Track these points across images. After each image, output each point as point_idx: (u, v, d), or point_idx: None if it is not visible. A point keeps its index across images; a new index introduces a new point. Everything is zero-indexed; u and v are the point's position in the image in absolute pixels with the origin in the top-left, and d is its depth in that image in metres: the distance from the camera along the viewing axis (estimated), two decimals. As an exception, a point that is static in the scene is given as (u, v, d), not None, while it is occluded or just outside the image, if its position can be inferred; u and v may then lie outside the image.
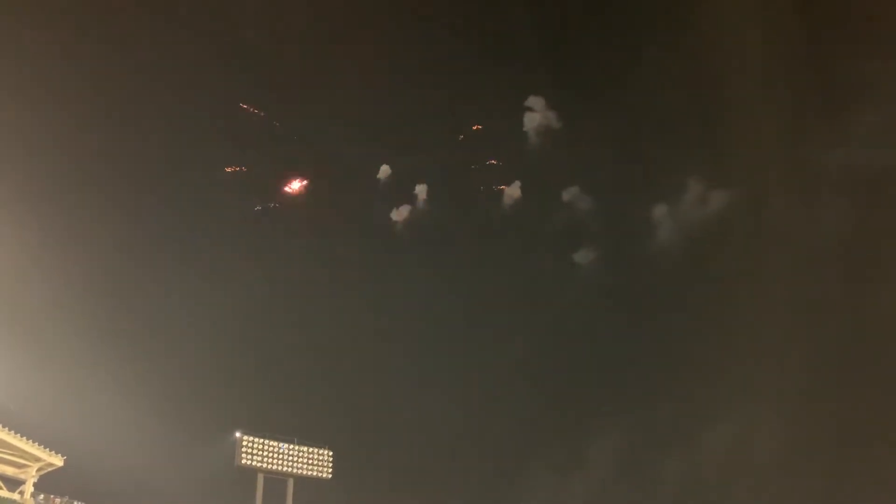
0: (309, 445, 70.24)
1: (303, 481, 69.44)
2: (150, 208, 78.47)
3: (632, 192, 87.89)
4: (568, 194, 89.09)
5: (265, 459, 67.68)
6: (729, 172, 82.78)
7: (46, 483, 50.69)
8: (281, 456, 68.48)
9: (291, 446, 69.28)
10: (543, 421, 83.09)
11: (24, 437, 47.44)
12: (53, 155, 70.13)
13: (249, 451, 67.23)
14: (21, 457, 48.28)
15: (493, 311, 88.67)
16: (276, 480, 68.39)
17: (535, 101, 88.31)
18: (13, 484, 48.78)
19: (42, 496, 51.30)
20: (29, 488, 49.21)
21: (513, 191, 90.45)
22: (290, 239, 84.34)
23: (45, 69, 69.61)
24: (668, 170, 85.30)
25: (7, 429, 46.24)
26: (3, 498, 47.74)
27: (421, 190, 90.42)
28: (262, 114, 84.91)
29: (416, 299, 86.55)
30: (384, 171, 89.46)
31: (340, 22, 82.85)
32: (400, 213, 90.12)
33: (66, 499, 53.99)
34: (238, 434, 67.34)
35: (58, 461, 49.71)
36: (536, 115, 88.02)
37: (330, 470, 70.45)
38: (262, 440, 68.02)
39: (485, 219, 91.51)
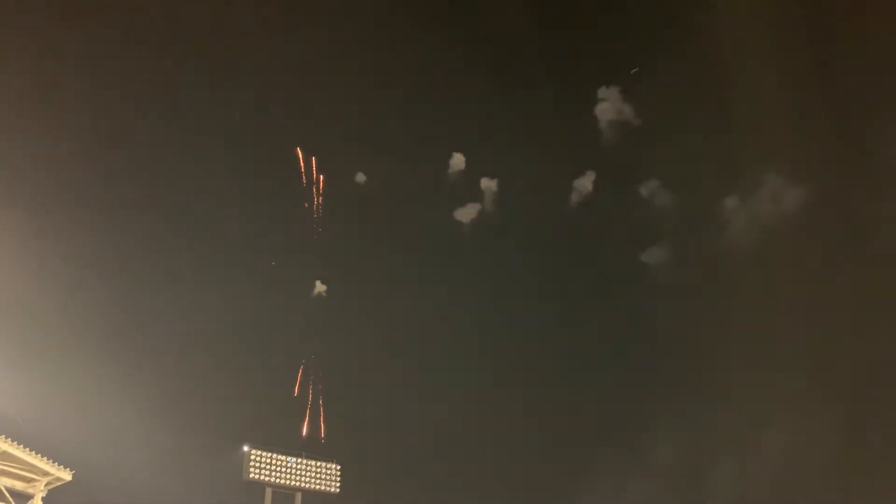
0: (317, 459, 70.20)
1: (311, 495, 69.34)
2: (158, 219, 78.21)
3: (703, 189, 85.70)
4: (639, 190, 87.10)
5: (273, 473, 67.62)
6: (806, 169, 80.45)
7: (55, 497, 50.42)
8: (289, 470, 68.35)
9: (299, 460, 69.20)
10: (577, 428, 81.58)
11: (33, 452, 47.17)
12: (61, 162, 70.13)
13: (257, 465, 67.20)
14: (30, 471, 48.02)
15: (537, 312, 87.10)
16: (284, 494, 68.30)
17: (608, 93, 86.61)
18: (22, 498, 48.47)
19: (50, 510, 51.06)
20: (37, 503, 48.95)
21: (584, 184, 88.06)
22: (300, 250, 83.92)
23: (47, 73, 69.66)
24: (744, 167, 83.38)
25: (16, 443, 46.00)
26: (12, 512, 47.58)
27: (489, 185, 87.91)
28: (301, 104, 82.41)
29: (437, 301, 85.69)
30: (456, 162, 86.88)
31: (408, 11, 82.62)
32: (467, 213, 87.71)
33: (74, 513, 53.71)
34: (246, 448, 67.43)
35: (66, 475, 49.37)
36: (609, 106, 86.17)
37: (338, 484, 70.39)
38: (269, 454, 68.01)
39: (550, 215, 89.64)
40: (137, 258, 73.66)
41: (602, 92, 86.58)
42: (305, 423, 72.52)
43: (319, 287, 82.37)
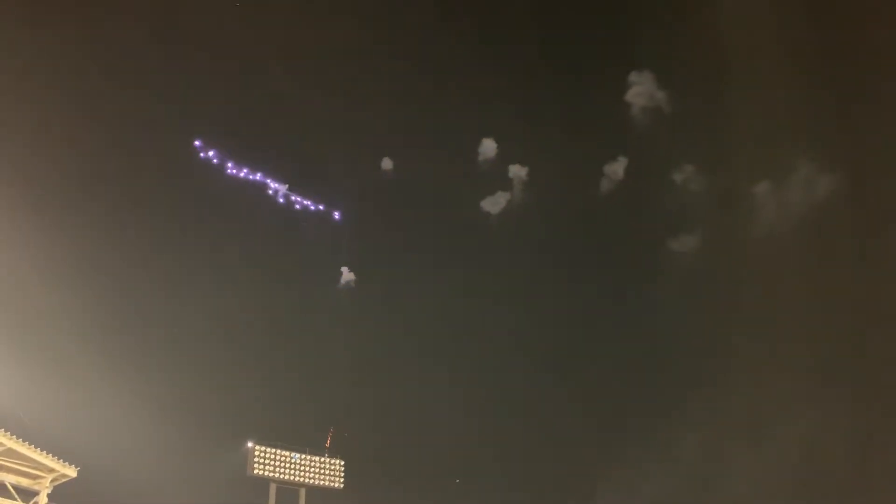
0: (321, 455, 70.45)
1: (315, 491, 69.55)
2: (167, 214, 78.01)
3: (737, 176, 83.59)
4: (672, 177, 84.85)
5: (277, 469, 67.85)
6: (842, 156, 78.69)
7: (60, 494, 50.68)
8: (293, 466, 68.58)
9: (303, 456, 69.49)
10: (597, 422, 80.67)
11: (38, 448, 47.39)
12: (65, 157, 69.86)
13: (262, 460, 67.45)
14: (35, 468, 48.17)
15: (563, 305, 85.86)
16: (288, 490, 68.51)
17: (640, 77, 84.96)
18: (27, 495, 48.68)
19: (56, 507, 51.32)
20: (43, 499, 49.07)
21: (615, 171, 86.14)
22: (308, 246, 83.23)
23: (50, 68, 69.39)
24: (779, 153, 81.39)
25: (21, 440, 46.19)
26: (18, 509, 47.81)
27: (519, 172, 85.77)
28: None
29: (443, 297, 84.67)
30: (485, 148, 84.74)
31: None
32: (495, 202, 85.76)
33: (79, 509, 53.96)
34: (250, 444, 67.65)
35: (71, 472, 49.52)
36: (641, 91, 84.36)
37: (342, 479, 70.62)
38: (274, 450, 68.22)
39: (580, 204, 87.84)
40: (143, 254, 73.62)
41: (634, 76, 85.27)
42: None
43: (347, 276, 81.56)
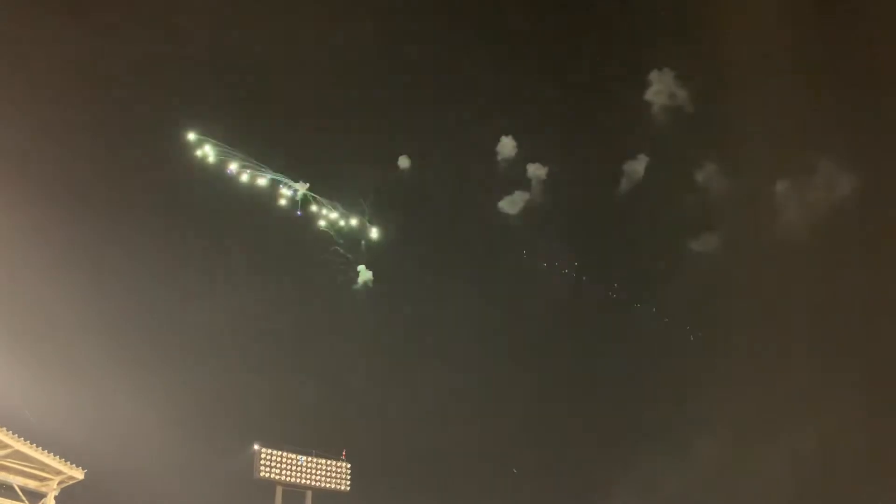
0: (327, 458, 70.27)
1: (321, 494, 69.43)
2: (171, 214, 77.43)
3: (760, 175, 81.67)
4: (690, 175, 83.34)
5: (284, 472, 67.70)
6: (867, 156, 76.93)
7: (67, 496, 50.64)
8: (299, 468, 68.45)
9: (310, 459, 69.29)
10: (600, 426, 79.91)
11: (46, 451, 47.33)
12: (72, 154, 69.37)
13: (268, 463, 67.26)
14: (42, 470, 48.22)
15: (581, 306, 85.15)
16: (294, 493, 68.40)
17: (660, 76, 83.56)
18: (35, 497, 48.75)
19: (63, 509, 51.28)
20: (50, 501, 49.16)
21: (635, 170, 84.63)
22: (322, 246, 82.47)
23: (52, 68, 68.75)
24: (802, 152, 79.99)
25: (29, 442, 46.15)
26: (25, 511, 47.80)
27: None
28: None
29: (459, 298, 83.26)
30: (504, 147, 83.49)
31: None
32: (514, 202, 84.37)
33: (86, 511, 53.98)
34: (257, 446, 67.41)
35: (79, 474, 49.57)
36: (661, 89, 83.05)
37: (348, 482, 70.46)
38: (280, 453, 68.05)
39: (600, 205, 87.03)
40: (151, 256, 73.07)
41: (654, 75, 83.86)
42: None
43: (364, 275, 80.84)
